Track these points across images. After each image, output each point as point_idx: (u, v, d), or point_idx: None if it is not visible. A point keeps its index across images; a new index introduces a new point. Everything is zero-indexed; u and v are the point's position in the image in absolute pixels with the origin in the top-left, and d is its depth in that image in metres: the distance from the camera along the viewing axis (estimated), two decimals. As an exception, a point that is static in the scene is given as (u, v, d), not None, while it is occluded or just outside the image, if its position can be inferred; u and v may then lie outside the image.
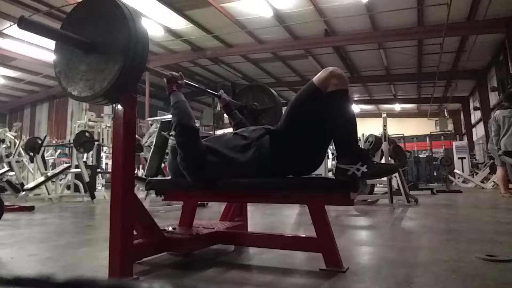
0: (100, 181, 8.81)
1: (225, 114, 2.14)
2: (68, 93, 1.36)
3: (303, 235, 1.80)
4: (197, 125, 1.60)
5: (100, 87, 1.27)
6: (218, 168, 1.52)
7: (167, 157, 6.08)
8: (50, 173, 6.18)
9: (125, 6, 1.28)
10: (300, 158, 1.51)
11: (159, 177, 3.57)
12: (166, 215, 3.86)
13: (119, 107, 1.37)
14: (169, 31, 9.88)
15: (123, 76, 1.24)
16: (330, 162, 6.15)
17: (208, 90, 2.12)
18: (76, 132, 6.87)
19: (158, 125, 5.10)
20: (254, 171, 1.50)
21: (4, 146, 7.62)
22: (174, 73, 1.67)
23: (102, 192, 7.04)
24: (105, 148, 8.94)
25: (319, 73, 1.42)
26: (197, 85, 2.01)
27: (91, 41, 1.31)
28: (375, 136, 5.36)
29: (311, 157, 1.53)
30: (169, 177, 1.79)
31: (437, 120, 16.88)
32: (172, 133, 4.98)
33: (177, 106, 1.56)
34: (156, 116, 11.62)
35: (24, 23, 1.15)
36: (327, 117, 1.42)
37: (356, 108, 18.99)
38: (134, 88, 1.37)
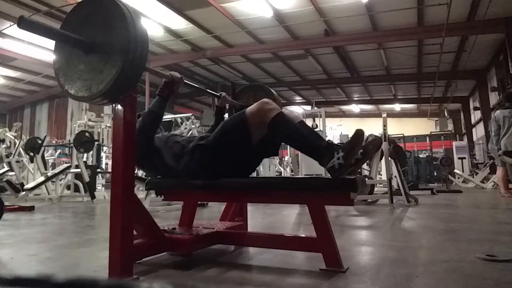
0: (100, 181, 8.80)
1: (225, 114, 2.14)
2: (65, 91, 1.36)
3: (303, 235, 1.80)
4: (165, 133, 1.83)
5: (97, 89, 1.27)
6: (157, 170, 1.74)
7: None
8: (50, 173, 6.18)
9: (125, 6, 1.27)
10: (225, 170, 1.61)
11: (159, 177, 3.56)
12: (166, 215, 3.86)
13: (119, 107, 1.37)
14: (169, 31, 9.88)
15: (121, 79, 1.24)
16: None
17: (208, 90, 2.12)
18: (76, 132, 6.87)
19: (158, 125, 5.10)
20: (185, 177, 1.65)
21: (4, 146, 7.61)
22: (174, 73, 1.67)
23: (102, 192, 7.03)
24: (105, 148, 8.94)
25: (251, 107, 1.55)
26: (197, 86, 2.01)
27: (90, 41, 1.30)
28: (375, 136, 5.36)
29: (236, 169, 1.63)
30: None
31: (437, 120, 16.89)
32: (173, 133, 4.98)
33: (148, 114, 1.70)
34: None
35: (23, 23, 1.15)
36: (251, 141, 1.55)
37: (356, 108, 19.02)
38: (133, 89, 1.37)
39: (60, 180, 6.62)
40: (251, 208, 3.68)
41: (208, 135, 1.67)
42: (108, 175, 9.14)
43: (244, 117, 1.52)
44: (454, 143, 13.16)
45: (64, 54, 1.39)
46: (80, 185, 6.05)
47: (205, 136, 1.69)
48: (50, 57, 11.28)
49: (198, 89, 2.05)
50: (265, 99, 1.56)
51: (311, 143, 1.46)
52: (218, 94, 2.04)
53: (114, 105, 1.40)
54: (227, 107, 2.17)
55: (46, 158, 7.71)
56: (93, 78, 1.28)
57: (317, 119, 7.50)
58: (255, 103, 1.55)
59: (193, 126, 6.44)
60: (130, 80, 1.29)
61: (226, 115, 2.12)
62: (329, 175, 1.42)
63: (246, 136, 1.53)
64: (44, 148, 7.19)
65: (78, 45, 1.31)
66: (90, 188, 5.83)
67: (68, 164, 6.41)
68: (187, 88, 1.83)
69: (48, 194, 6.14)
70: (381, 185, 6.37)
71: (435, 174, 14.11)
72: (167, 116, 6.75)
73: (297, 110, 16.02)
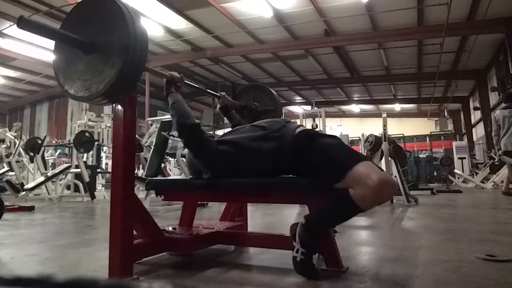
0: (100, 181, 8.80)
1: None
2: (65, 90, 1.36)
3: (303, 235, 1.79)
4: (197, 121, 1.59)
5: (96, 89, 1.27)
6: (228, 157, 1.50)
7: (167, 157, 6.07)
8: (50, 173, 6.18)
9: (125, 6, 1.27)
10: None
11: (159, 177, 3.56)
12: (166, 215, 3.86)
13: (119, 107, 1.37)
14: (169, 31, 9.87)
15: (120, 79, 1.23)
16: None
17: (208, 90, 2.11)
18: (76, 132, 6.87)
19: (158, 125, 5.10)
20: (268, 163, 1.46)
21: (4, 146, 7.62)
22: (174, 73, 1.66)
23: (102, 192, 7.03)
24: (105, 148, 8.93)
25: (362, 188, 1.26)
26: (197, 86, 2.00)
27: (90, 41, 1.30)
28: (375, 136, 5.36)
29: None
30: (169, 177, 1.78)
31: (437, 120, 16.88)
32: (173, 133, 4.98)
33: (174, 106, 1.56)
34: (156, 116, 11.61)
35: (23, 23, 1.15)
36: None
37: (356, 108, 19.01)
38: (133, 89, 1.37)
39: (60, 180, 6.62)
40: (251, 208, 3.67)
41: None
42: (108, 175, 9.14)
43: (349, 198, 1.30)
44: (454, 143, 13.16)
45: (64, 54, 1.39)
46: (80, 185, 6.05)
47: (287, 120, 1.61)
48: (50, 57, 11.27)
49: (198, 89, 2.05)
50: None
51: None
52: (218, 94, 2.03)
53: (114, 105, 1.40)
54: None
55: (46, 158, 7.70)
56: (93, 78, 1.28)
57: (317, 119, 7.51)
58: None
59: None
60: (130, 80, 1.29)
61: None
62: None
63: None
64: (44, 148, 7.18)
65: (78, 45, 1.31)
66: (90, 188, 5.83)
67: (68, 164, 6.41)
68: (188, 88, 1.83)
69: (48, 194, 6.14)
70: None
71: (435, 174, 14.10)
72: (167, 116, 6.75)
73: (297, 110, 16.02)
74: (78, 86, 1.32)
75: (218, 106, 2.09)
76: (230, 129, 1.82)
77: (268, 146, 1.46)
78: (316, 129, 7.39)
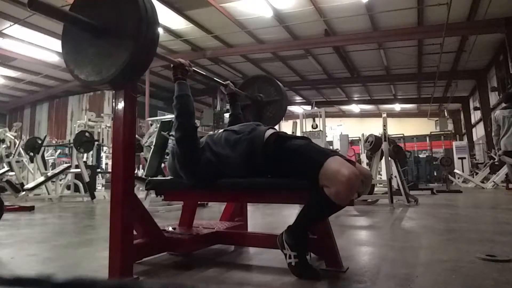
0: (100, 181, 8.80)
1: (225, 114, 2.13)
2: (75, 75, 1.33)
3: (303, 235, 1.79)
4: (197, 124, 1.59)
5: (107, 73, 1.24)
6: (211, 166, 1.52)
7: (167, 157, 6.07)
8: (50, 173, 6.18)
9: None
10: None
11: (159, 177, 3.57)
12: (166, 215, 3.86)
13: (119, 107, 1.37)
14: (169, 31, 9.87)
15: (132, 63, 1.22)
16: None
17: (215, 79, 2.07)
18: (76, 132, 6.87)
19: (158, 125, 5.10)
20: (243, 166, 1.48)
21: (4, 146, 7.62)
22: (181, 59, 1.63)
23: (102, 192, 7.03)
24: (105, 148, 8.94)
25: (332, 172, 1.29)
26: (203, 73, 1.97)
27: (101, 25, 1.27)
28: (375, 136, 5.36)
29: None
30: (169, 177, 1.78)
31: (437, 120, 16.88)
32: (173, 132, 4.98)
33: (180, 101, 1.54)
34: (156, 116, 11.61)
35: (34, 4, 1.12)
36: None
37: (356, 108, 19.01)
38: (143, 72, 1.34)
39: (60, 180, 6.62)
40: (251, 208, 3.67)
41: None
42: (108, 175, 9.14)
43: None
44: (454, 143, 13.15)
45: (73, 39, 1.36)
46: (80, 185, 6.05)
47: (256, 123, 1.63)
48: (50, 57, 11.29)
49: (205, 76, 2.01)
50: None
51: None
52: (224, 83, 2.00)
53: (114, 105, 1.40)
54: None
55: (46, 158, 7.71)
56: (104, 62, 1.26)
57: (317, 119, 7.51)
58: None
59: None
60: (141, 64, 1.28)
61: (225, 116, 2.08)
62: None
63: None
64: (44, 148, 7.19)
65: (88, 29, 1.28)
66: (90, 188, 5.83)
67: (68, 164, 6.41)
68: (196, 76, 1.80)
69: (48, 194, 6.14)
70: (381, 185, 6.37)
71: (435, 174, 14.10)
72: (167, 116, 6.75)
73: (297, 110, 16.01)
74: (88, 71, 1.30)
75: (225, 92, 2.05)
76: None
77: (241, 150, 1.48)
78: (316, 129, 7.41)
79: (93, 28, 1.28)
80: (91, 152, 7.51)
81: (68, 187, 6.46)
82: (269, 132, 1.51)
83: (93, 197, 5.68)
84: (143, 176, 5.26)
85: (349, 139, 11.61)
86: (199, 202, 3.07)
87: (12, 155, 7.18)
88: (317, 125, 7.52)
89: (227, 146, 1.52)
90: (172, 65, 1.62)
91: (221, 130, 1.68)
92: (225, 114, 15.36)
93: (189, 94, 1.57)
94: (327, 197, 1.28)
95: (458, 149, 12.49)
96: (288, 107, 2.29)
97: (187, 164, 1.52)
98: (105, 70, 1.25)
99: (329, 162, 1.30)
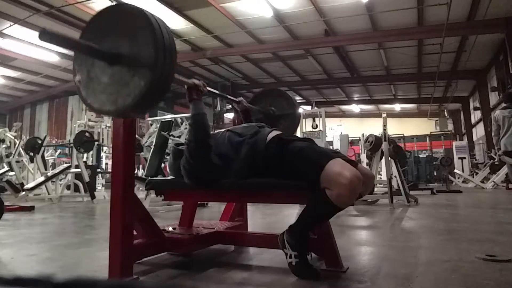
0: (100, 181, 8.80)
1: (225, 114, 2.12)
2: (88, 104, 1.28)
3: (303, 235, 1.79)
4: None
5: (123, 103, 1.19)
6: (216, 170, 1.52)
7: (168, 157, 6.08)
8: (50, 173, 6.18)
9: (152, 16, 1.20)
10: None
11: (159, 177, 3.57)
12: (166, 215, 3.86)
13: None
14: (169, 31, 9.87)
15: (150, 92, 1.17)
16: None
17: (228, 96, 2.05)
18: (76, 132, 6.87)
19: (158, 125, 5.10)
20: (246, 170, 1.48)
21: (4, 146, 7.62)
22: (195, 81, 1.61)
23: (102, 192, 7.03)
24: (105, 148, 8.93)
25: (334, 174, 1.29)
26: (218, 92, 1.96)
27: (115, 53, 1.22)
28: (375, 136, 5.36)
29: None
30: (169, 177, 1.78)
31: (437, 120, 16.89)
32: (173, 133, 4.98)
33: (196, 119, 1.54)
34: (156, 116, 11.61)
35: (45, 36, 1.09)
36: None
37: (356, 108, 19.02)
38: (160, 102, 1.31)
39: (60, 180, 6.62)
40: (251, 208, 3.67)
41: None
42: (108, 175, 9.14)
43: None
44: (454, 143, 13.16)
45: (85, 65, 1.31)
46: (80, 185, 6.05)
47: (260, 124, 1.63)
48: (50, 57, 11.30)
49: (219, 95, 2.00)
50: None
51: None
52: (237, 100, 1.98)
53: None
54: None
55: (46, 158, 7.71)
56: (119, 91, 1.21)
57: (317, 119, 7.51)
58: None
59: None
60: (159, 93, 1.22)
61: (225, 116, 2.07)
62: None
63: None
64: (44, 148, 7.18)
65: (102, 58, 1.24)
66: (90, 188, 5.83)
67: (68, 164, 6.41)
68: (210, 96, 1.80)
69: (48, 194, 6.14)
70: (381, 185, 6.37)
71: (435, 174, 14.09)
72: (167, 116, 6.75)
73: (297, 110, 16.00)
74: (103, 100, 1.25)
75: (239, 110, 2.03)
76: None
77: (243, 154, 1.48)
78: (316, 129, 7.41)
79: (107, 56, 1.23)
80: (91, 152, 7.51)
81: (68, 187, 6.46)
82: (272, 134, 1.51)
83: (93, 197, 5.68)
84: (143, 176, 5.26)
85: (349, 139, 11.62)
86: (199, 202, 3.07)
87: (12, 155, 7.18)
88: (317, 125, 7.53)
89: (231, 148, 1.52)
90: (186, 87, 1.60)
91: (224, 130, 1.67)
92: (225, 114, 15.41)
93: (205, 112, 1.58)
94: (328, 199, 1.28)
95: (458, 149, 12.49)
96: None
97: (197, 174, 1.52)
98: (121, 99, 1.20)
99: (331, 164, 1.30)
